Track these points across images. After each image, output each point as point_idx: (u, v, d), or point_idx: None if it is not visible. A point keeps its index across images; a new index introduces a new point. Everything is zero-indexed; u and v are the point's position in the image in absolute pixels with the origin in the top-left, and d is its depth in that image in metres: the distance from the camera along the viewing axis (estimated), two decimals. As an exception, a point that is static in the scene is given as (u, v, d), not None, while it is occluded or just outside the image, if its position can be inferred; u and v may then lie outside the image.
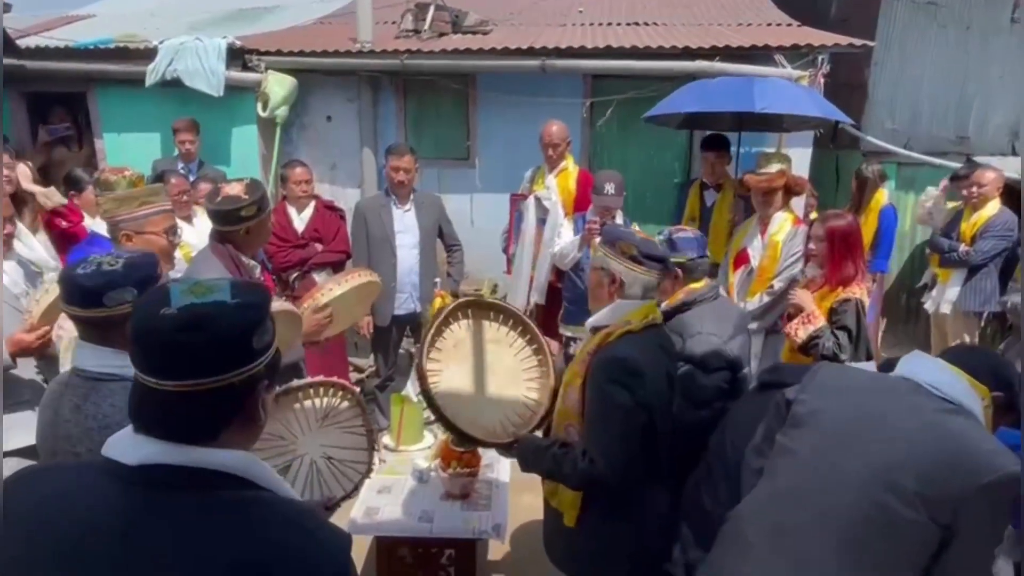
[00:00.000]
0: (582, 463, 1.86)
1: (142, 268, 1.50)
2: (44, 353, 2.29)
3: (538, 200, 4.15)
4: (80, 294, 1.46)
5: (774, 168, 3.50)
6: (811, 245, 3.01)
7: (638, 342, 1.90)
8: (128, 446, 0.94)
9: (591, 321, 2.06)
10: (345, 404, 2.06)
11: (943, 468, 1.32)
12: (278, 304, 2.39)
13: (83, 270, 1.48)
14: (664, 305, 2.40)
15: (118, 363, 1.43)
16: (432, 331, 2.18)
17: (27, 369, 2.35)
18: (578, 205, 4.12)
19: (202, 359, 0.92)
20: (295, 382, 1.98)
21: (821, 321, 2.89)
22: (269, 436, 1.90)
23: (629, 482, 1.88)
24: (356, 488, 2.08)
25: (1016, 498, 1.26)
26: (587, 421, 1.91)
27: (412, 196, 4.05)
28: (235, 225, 2.46)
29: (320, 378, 2.04)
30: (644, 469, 1.89)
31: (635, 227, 3.96)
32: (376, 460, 2.19)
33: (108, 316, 1.45)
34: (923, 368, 1.53)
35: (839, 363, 2.68)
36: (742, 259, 3.69)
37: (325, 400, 2.03)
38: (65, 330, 2.01)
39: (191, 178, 4.58)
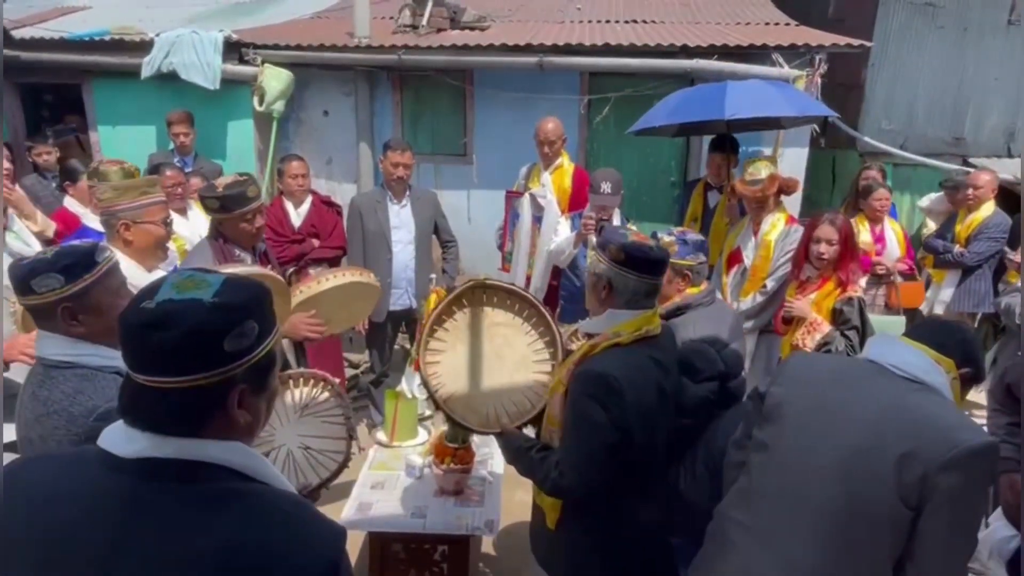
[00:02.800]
0: (553, 473, 1.84)
1: (72, 256, 1.52)
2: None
3: (533, 197, 4.14)
4: (14, 283, 1.50)
5: (764, 174, 3.45)
6: (820, 248, 2.97)
7: (623, 357, 1.81)
8: (121, 438, 0.93)
9: (584, 326, 2.04)
10: (324, 395, 2.07)
11: (907, 449, 1.33)
12: (257, 269, 2.40)
13: (21, 262, 1.52)
14: (660, 308, 2.39)
15: (72, 351, 1.48)
16: (440, 309, 2.15)
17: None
18: (573, 203, 4.11)
19: (167, 357, 0.90)
20: None
21: (827, 326, 2.89)
22: None
23: (598, 497, 1.85)
24: (333, 476, 2.08)
25: (992, 473, 1.26)
26: (562, 432, 1.88)
27: (408, 192, 4.04)
28: (207, 211, 2.69)
29: (300, 370, 2.04)
30: (621, 484, 1.86)
31: (632, 226, 3.98)
32: (355, 449, 2.19)
33: (40, 303, 1.49)
34: (887, 349, 1.54)
35: (807, 353, 2.69)
36: (735, 259, 3.69)
37: (304, 391, 2.03)
38: None
39: (187, 170, 4.57)
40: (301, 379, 2.04)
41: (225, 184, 2.59)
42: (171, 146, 4.93)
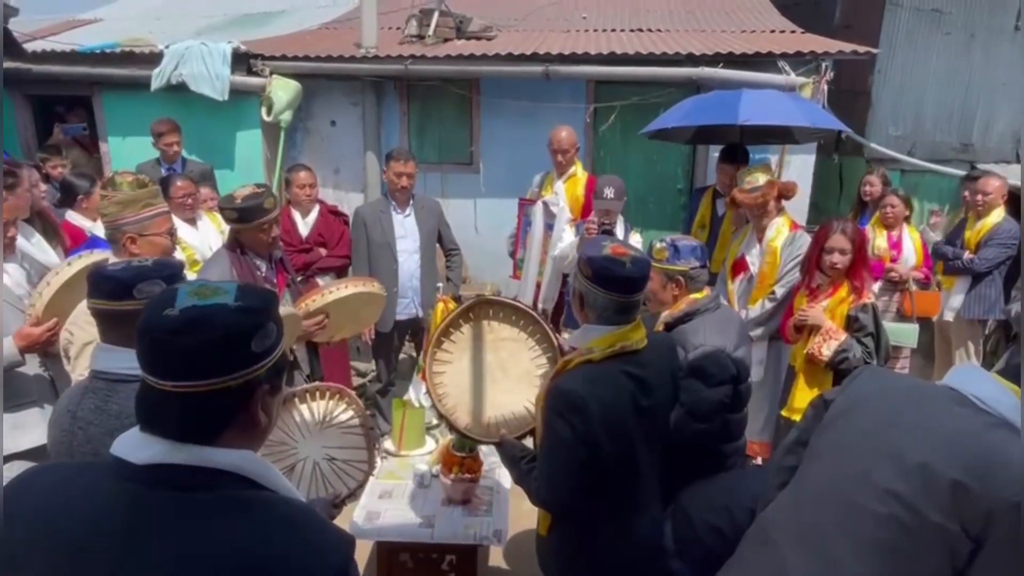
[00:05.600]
0: (534, 485, 1.89)
1: (171, 267, 1.58)
2: (49, 350, 2.30)
3: (546, 205, 4.15)
4: (112, 286, 1.50)
5: (761, 180, 3.45)
6: (834, 258, 2.95)
7: (592, 374, 1.80)
8: (135, 445, 0.94)
9: (569, 340, 2.07)
10: (342, 406, 2.10)
11: (979, 477, 1.27)
12: (285, 309, 2.42)
13: (114, 266, 1.55)
14: (665, 315, 2.39)
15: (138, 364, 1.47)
16: (448, 321, 2.19)
17: (31, 366, 2.36)
18: (586, 211, 4.11)
19: (198, 361, 0.92)
20: (289, 389, 2.01)
21: (843, 334, 2.88)
22: (270, 442, 1.92)
23: (572, 512, 1.87)
24: (361, 485, 2.11)
25: None
26: (539, 446, 1.92)
27: (412, 201, 4.05)
28: (226, 221, 2.74)
29: (316, 384, 2.06)
30: (604, 498, 1.86)
31: (636, 233, 3.98)
32: (377, 458, 2.22)
33: (136, 309, 1.46)
34: (970, 380, 1.45)
35: (882, 368, 2.64)
36: (740, 267, 3.67)
37: (322, 404, 2.06)
38: (75, 336, 2.00)
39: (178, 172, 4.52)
40: (318, 392, 2.06)
41: (243, 196, 2.64)
42: (157, 155, 4.76)
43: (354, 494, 2.10)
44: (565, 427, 1.77)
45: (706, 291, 2.47)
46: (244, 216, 2.62)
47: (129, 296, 1.49)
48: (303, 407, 2.04)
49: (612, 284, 1.79)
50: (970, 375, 1.47)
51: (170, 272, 1.54)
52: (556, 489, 1.83)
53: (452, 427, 2.23)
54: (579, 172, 4.20)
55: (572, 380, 1.80)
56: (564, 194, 4.13)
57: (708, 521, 1.96)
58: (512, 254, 4.49)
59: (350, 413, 2.10)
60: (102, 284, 1.52)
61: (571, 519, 1.91)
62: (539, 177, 4.38)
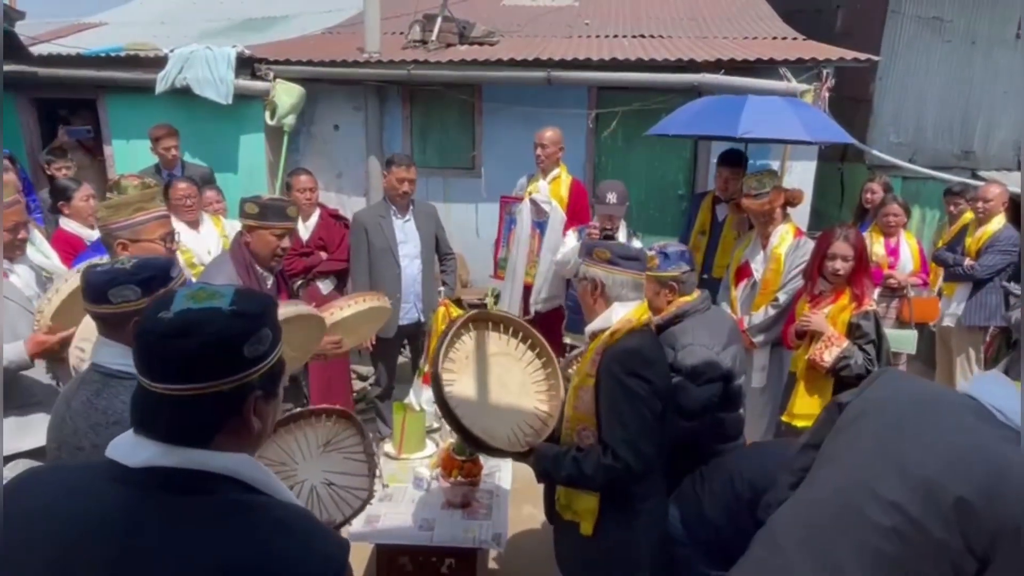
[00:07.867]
0: (605, 459, 1.88)
1: (150, 269, 1.54)
2: (60, 355, 2.29)
3: (535, 203, 4.13)
4: (89, 290, 1.52)
5: (768, 187, 3.47)
6: (836, 265, 2.96)
7: (643, 336, 2.00)
8: (130, 448, 0.94)
9: (590, 327, 2.09)
10: (347, 431, 2.07)
11: (985, 495, 1.22)
12: (305, 308, 2.41)
13: (98, 268, 1.54)
14: (657, 319, 2.42)
15: (132, 362, 1.47)
16: (446, 342, 2.18)
17: (38, 371, 2.37)
18: (570, 214, 4.11)
19: (189, 365, 0.92)
20: (297, 410, 2.00)
21: (844, 341, 2.88)
22: (271, 462, 1.90)
23: (651, 470, 1.95)
24: (356, 513, 2.07)
25: None
26: (606, 416, 1.93)
27: (411, 206, 4.04)
28: (242, 217, 2.67)
29: (323, 406, 2.05)
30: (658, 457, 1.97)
31: (637, 239, 3.99)
32: (378, 486, 2.19)
33: (113, 312, 1.50)
34: (991, 390, 1.40)
35: (901, 372, 2.65)
36: (744, 273, 3.68)
37: (327, 427, 2.04)
38: (87, 353, 1.99)
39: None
40: (324, 415, 2.05)
41: (270, 197, 2.68)
42: (156, 162, 4.74)
43: (348, 521, 2.06)
44: (640, 383, 1.90)
45: (696, 293, 2.50)
46: (264, 213, 2.59)
47: (105, 300, 1.48)
48: (308, 429, 2.03)
49: (630, 260, 2.06)
50: (994, 386, 1.41)
51: (148, 275, 1.51)
52: (639, 448, 1.89)
53: (481, 445, 2.10)
54: (563, 174, 4.20)
55: (631, 341, 1.96)
56: (548, 195, 4.13)
57: (716, 500, 2.01)
58: (494, 254, 4.48)
59: (354, 439, 2.08)
60: (84, 287, 1.52)
61: (633, 498, 1.97)
62: (524, 179, 4.37)
